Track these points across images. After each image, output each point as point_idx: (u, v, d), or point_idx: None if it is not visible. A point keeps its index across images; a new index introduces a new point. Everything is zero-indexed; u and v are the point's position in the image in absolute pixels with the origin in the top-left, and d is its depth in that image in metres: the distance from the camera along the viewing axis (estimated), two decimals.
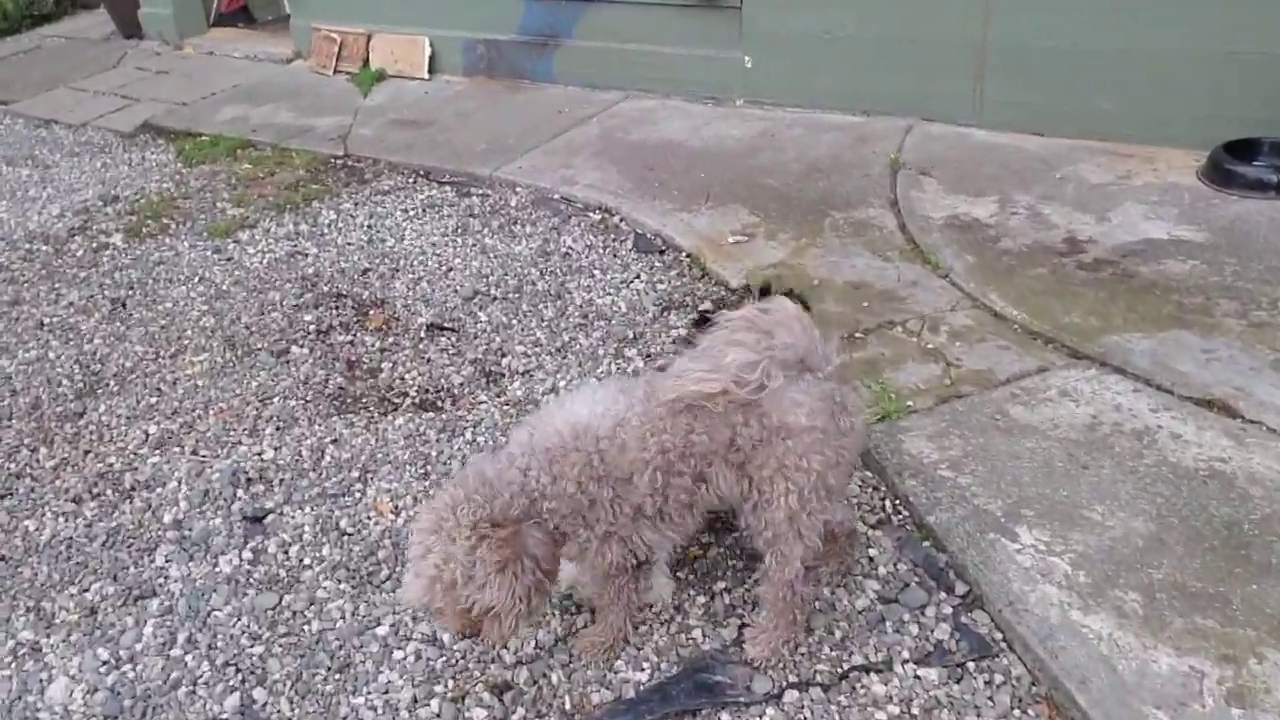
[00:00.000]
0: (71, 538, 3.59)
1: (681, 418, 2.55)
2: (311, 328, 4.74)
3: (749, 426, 2.51)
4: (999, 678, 2.65)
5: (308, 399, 4.23)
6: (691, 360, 2.56)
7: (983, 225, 4.79)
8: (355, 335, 4.66)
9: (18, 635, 3.19)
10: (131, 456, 3.98)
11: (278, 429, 4.05)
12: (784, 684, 2.71)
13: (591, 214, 5.54)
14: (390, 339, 4.61)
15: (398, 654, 2.97)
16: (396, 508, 3.54)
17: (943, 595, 2.90)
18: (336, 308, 4.89)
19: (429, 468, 3.73)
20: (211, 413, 4.20)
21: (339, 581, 3.26)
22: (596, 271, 4.97)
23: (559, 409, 2.67)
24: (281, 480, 3.75)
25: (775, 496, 2.56)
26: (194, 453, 3.96)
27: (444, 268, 5.17)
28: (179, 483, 3.80)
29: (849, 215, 5.07)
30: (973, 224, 4.82)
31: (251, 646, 3.05)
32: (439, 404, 4.12)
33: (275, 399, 4.25)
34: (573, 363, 4.27)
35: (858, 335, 4.09)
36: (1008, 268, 4.42)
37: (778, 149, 5.93)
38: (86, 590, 3.35)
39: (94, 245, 5.77)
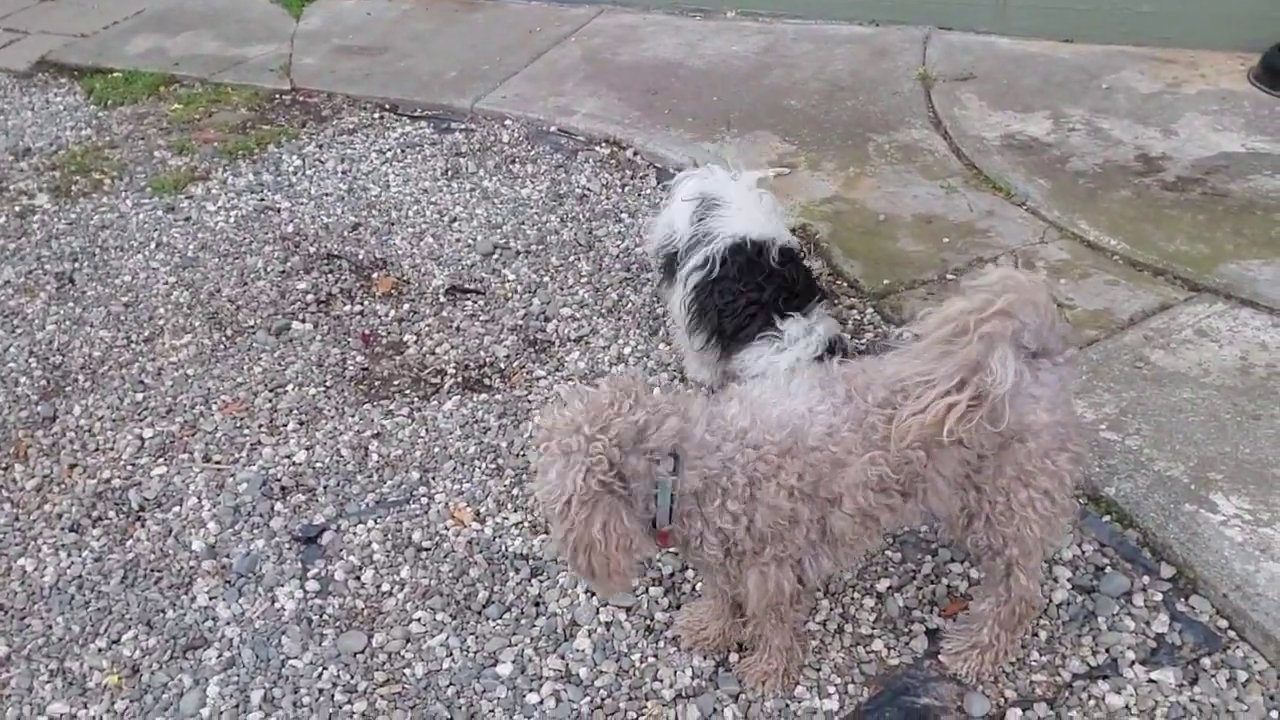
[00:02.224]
0: (82, 576, 3.00)
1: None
2: (309, 297, 4.11)
3: (978, 431, 2.11)
4: (1241, 674, 2.37)
5: (328, 384, 3.66)
6: (911, 362, 2.11)
7: (1043, 145, 4.44)
8: (363, 304, 4.07)
9: (47, 709, 2.63)
10: (130, 468, 3.37)
11: (301, 424, 3.48)
12: (1002, 702, 2.38)
13: (598, 148, 4.98)
14: (405, 306, 4.03)
15: (531, 697, 2.53)
16: (479, 514, 3.05)
17: (1146, 579, 2.60)
18: (332, 272, 4.27)
19: (500, 461, 3.24)
20: (215, 408, 3.59)
21: (433, 611, 2.78)
22: (625, 215, 4.46)
23: (778, 397, 2.21)
24: (326, 487, 3.21)
25: (1017, 507, 2.19)
26: (207, 459, 3.37)
27: (445, 218, 4.57)
28: (199, 498, 3.22)
29: (892, 139, 4.66)
30: (1032, 144, 4.46)
31: (349, 702, 2.56)
32: (487, 382, 3.60)
33: (289, 387, 3.66)
34: (630, 324, 3.79)
35: (949, 276, 3.72)
36: (1087, 191, 4.09)
37: (790, 66, 5.44)
38: (118, 643, 2.79)
39: (16, 209, 4.94)
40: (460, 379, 3.64)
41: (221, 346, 3.89)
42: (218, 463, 3.35)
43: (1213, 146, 4.26)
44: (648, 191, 4.61)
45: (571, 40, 6.07)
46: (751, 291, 3.03)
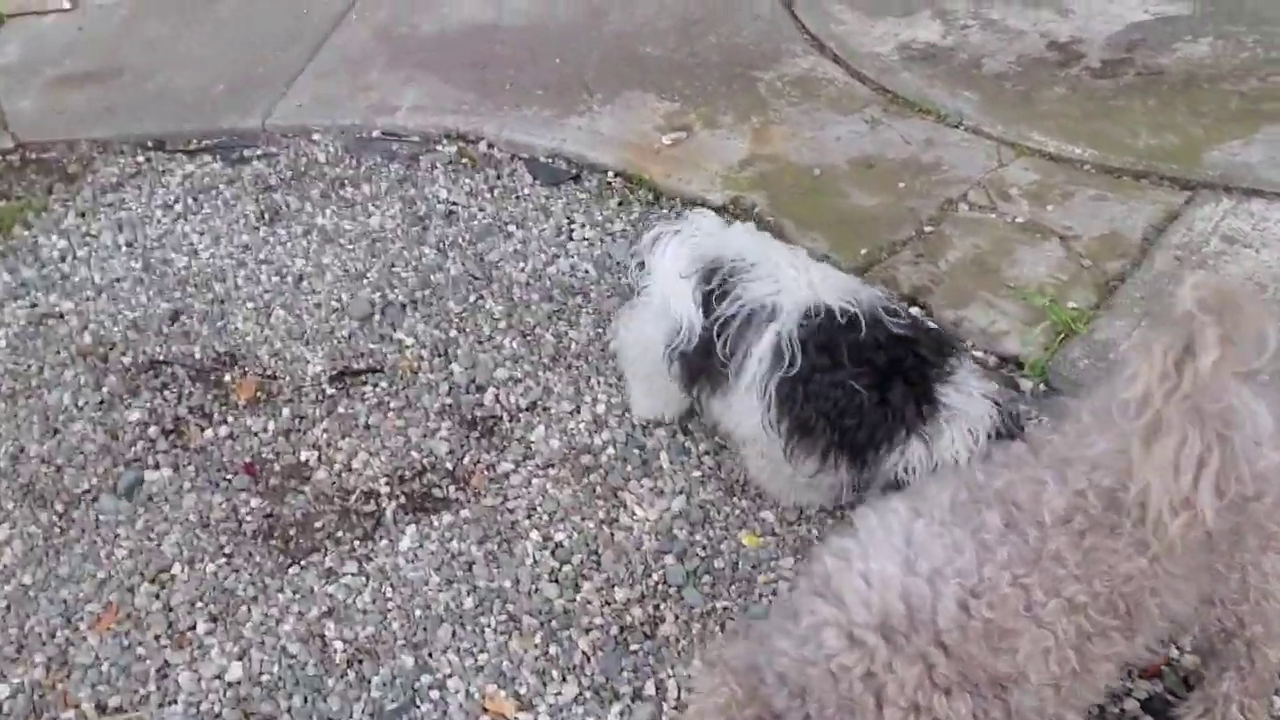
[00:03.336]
0: None
1: (1098, 540, 1.60)
2: (151, 430, 3.09)
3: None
4: None
5: (227, 551, 2.73)
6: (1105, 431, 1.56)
7: (945, 50, 3.97)
8: (227, 421, 3.10)
9: None
10: None
11: (215, 619, 2.57)
12: None
13: (441, 146, 4.09)
14: (284, 411, 3.10)
15: None
16: (519, 698, 2.30)
17: None
18: (167, 387, 3.24)
19: (511, 608, 2.48)
20: (85, 626, 2.60)
21: None
22: (513, 228, 3.65)
23: (854, 560, 1.61)
24: (292, 712, 2.36)
25: (1257, 581, 1.72)
26: (105, 711, 2.42)
27: (288, 279, 3.59)
28: None
29: (780, 73, 4.05)
30: (933, 51, 3.98)
31: None
32: (440, 494, 2.80)
33: (175, 569, 2.71)
34: (586, 371, 3.06)
35: (928, 230, 3.21)
36: (1018, 95, 3.67)
37: (625, 5, 4.67)
38: None
39: None
40: (402, 498, 2.81)
41: (57, 532, 2.85)
42: (124, 712, 2.41)
43: (1116, 19, 3.93)
44: (526, 192, 3.81)
45: (352, 17, 5.01)
46: (869, 376, 2.20)
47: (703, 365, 2.33)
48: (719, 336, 2.26)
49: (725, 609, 2.43)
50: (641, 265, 2.47)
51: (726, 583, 2.48)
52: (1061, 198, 3.23)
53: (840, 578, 1.59)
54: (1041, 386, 2.74)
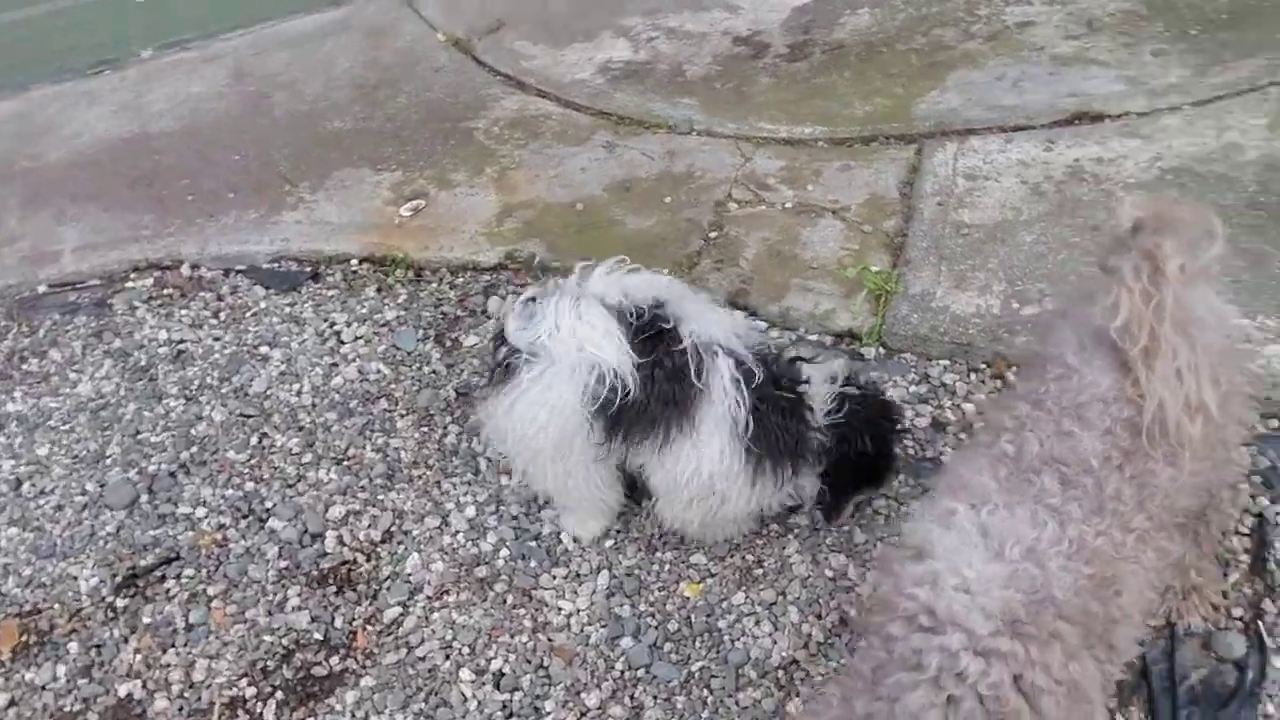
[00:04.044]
0: None
1: (1138, 468, 1.68)
2: None
3: None
4: None
5: None
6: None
7: (644, 65, 4.04)
8: None
9: None
10: None
11: None
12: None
13: (133, 282, 3.52)
14: (68, 647, 2.49)
15: None
16: None
17: None
18: None
19: None
20: None
21: None
22: (266, 349, 3.20)
23: (945, 579, 1.57)
24: None
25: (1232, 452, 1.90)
26: None
27: (1, 488, 2.90)
28: None
29: (493, 119, 3.91)
30: (634, 68, 4.04)
31: None
32: (323, 672, 2.38)
33: None
34: (435, 476, 2.74)
35: (714, 236, 3.25)
36: (732, 94, 3.82)
37: (287, 86, 4.28)
38: None
39: None
40: (278, 693, 2.35)
41: None
42: None
43: (781, 6, 4.23)
44: (261, 306, 3.36)
45: None
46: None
47: (638, 417, 2.14)
48: (668, 375, 2.11)
49: (703, 669, 2.28)
50: (502, 342, 2.24)
51: (692, 642, 2.33)
52: (814, 175, 3.41)
53: (944, 603, 1.51)
54: (881, 350, 2.86)
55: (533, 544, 2.56)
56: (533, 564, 2.52)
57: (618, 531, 2.56)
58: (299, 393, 3.05)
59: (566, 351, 2.08)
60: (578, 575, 2.48)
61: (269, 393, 3.06)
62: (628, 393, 2.06)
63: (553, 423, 2.13)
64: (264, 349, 3.21)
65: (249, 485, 2.81)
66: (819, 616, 2.34)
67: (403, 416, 2.93)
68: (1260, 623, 2.15)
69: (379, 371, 3.07)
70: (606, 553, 2.52)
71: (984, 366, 2.75)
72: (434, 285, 3.32)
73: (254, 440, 2.93)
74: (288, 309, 3.34)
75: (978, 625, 1.48)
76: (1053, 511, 1.59)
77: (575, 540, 2.54)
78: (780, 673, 2.25)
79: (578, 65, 4.09)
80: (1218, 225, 1.71)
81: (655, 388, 2.09)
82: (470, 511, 2.64)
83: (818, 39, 4.01)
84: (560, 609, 2.42)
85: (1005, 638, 1.47)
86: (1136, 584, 1.62)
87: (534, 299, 2.18)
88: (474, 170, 3.67)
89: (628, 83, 3.95)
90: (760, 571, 2.44)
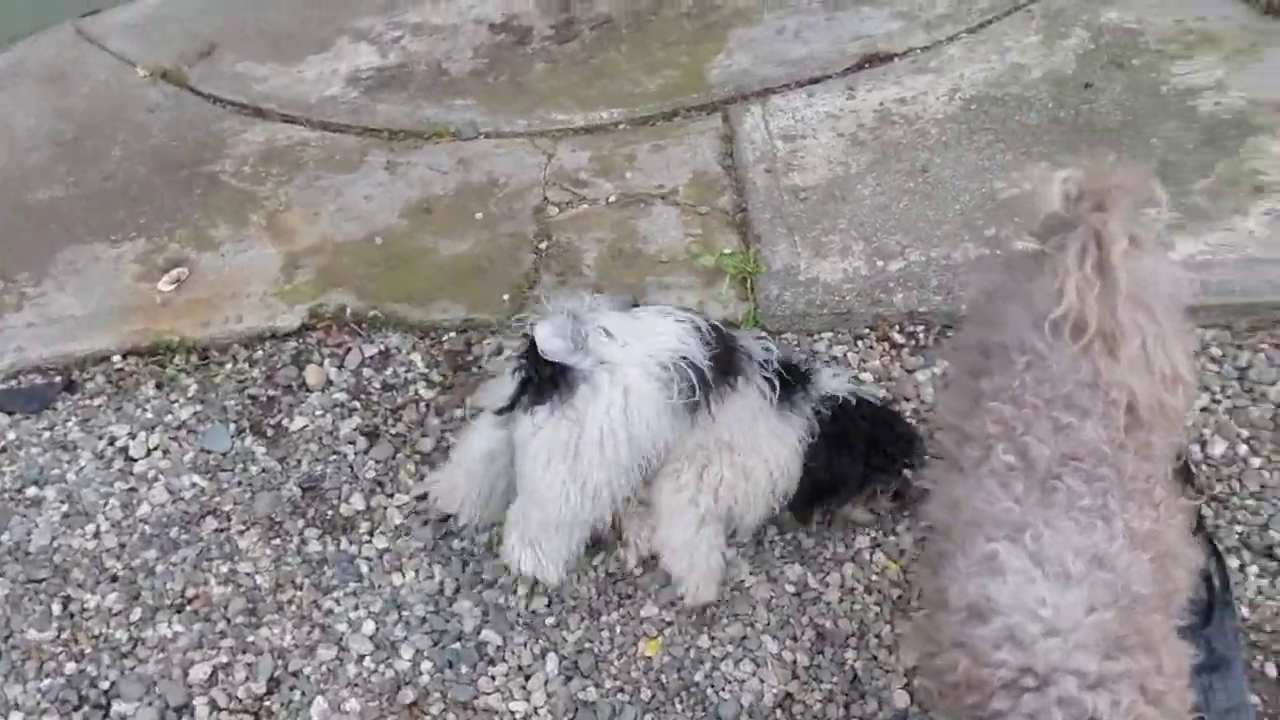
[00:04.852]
0: None
1: (1138, 441, 1.68)
2: None
3: None
4: None
5: None
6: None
7: (399, 68, 3.65)
8: None
9: None
10: None
11: None
12: None
13: None
14: None
15: None
16: None
17: None
18: None
19: None
20: None
21: None
22: (35, 490, 2.61)
23: (1023, 622, 1.50)
24: None
25: None
26: None
27: None
28: None
29: (239, 156, 3.38)
30: (389, 73, 3.64)
31: None
32: None
33: None
34: (312, 594, 2.34)
35: (544, 247, 3.00)
36: (510, 85, 3.54)
37: None
38: None
39: None
40: None
41: None
42: None
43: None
44: (10, 437, 2.75)
45: None
46: None
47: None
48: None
49: None
50: (543, 363, 1.99)
51: (673, 705, 2.13)
52: (627, 161, 3.23)
53: (1039, 656, 1.41)
54: (762, 333, 2.74)
55: (456, 646, 2.25)
56: (464, 670, 2.21)
57: (545, 608, 2.30)
58: (96, 535, 2.52)
59: (636, 357, 1.99)
60: (520, 668, 2.21)
61: (56, 544, 2.50)
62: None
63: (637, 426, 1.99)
64: (31, 490, 2.62)
65: (70, 667, 2.28)
66: (795, 639, 2.22)
67: (243, 533, 2.49)
68: (1205, 529, 2.25)
69: (194, 485, 2.59)
70: (547, 632, 2.26)
71: (867, 331, 2.72)
72: (228, 367, 2.85)
73: (56, 609, 2.38)
74: (46, 434, 2.75)
75: (1085, 662, 1.40)
76: (1092, 512, 1.54)
77: (532, 584, 2.29)
78: (779, 712, 2.11)
79: (322, 80, 3.65)
80: (1157, 185, 1.72)
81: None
82: (369, 628, 2.28)
83: (581, 15, 3.81)
84: (514, 713, 2.14)
85: (1116, 660, 1.40)
86: (1180, 550, 1.61)
87: (571, 314, 2.01)
88: (236, 221, 3.18)
89: (388, 91, 3.58)
90: (717, 608, 2.27)
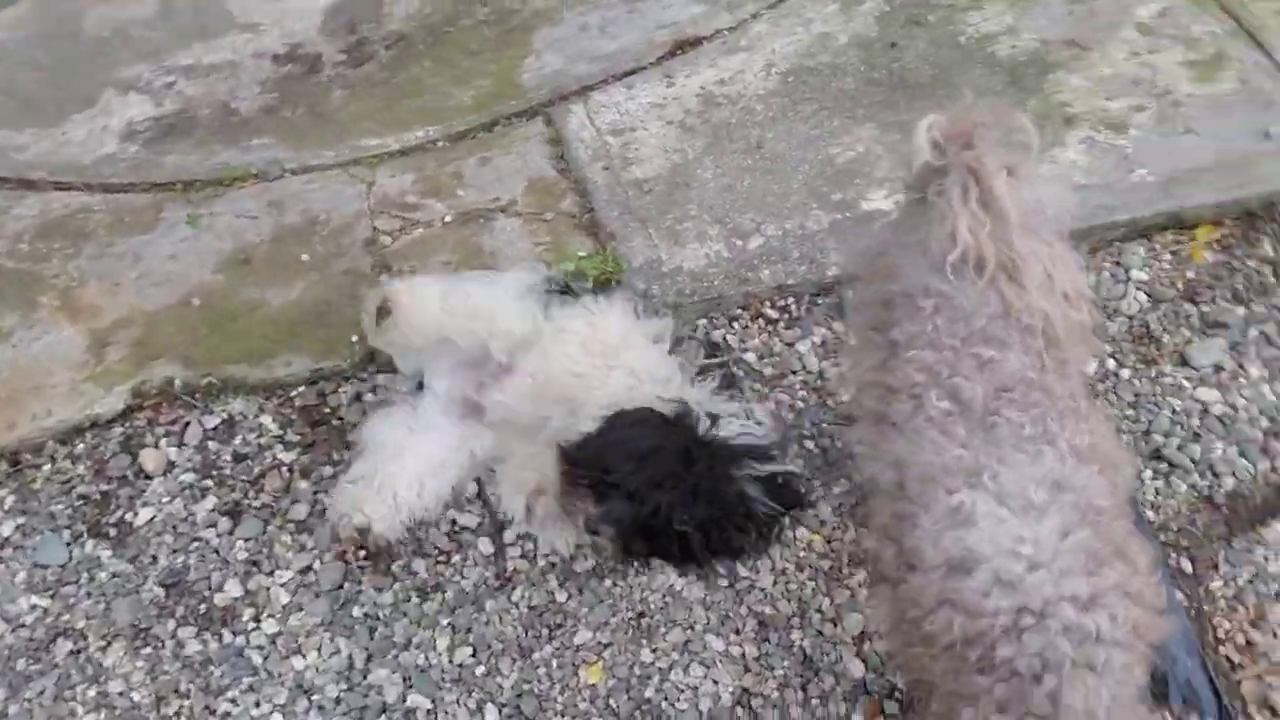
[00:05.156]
0: None
1: (1061, 358, 1.74)
2: None
3: None
4: None
5: None
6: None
7: (178, 114, 3.36)
8: None
9: None
10: None
11: None
12: None
13: None
14: None
15: None
16: None
17: None
18: None
19: None
20: None
21: None
22: None
23: (1009, 565, 1.50)
24: None
25: None
26: None
27: None
28: None
29: (14, 234, 3.01)
30: (169, 122, 3.34)
31: None
32: None
33: None
34: (200, 698, 2.08)
35: (405, 270, 2.81)
36: (309, 116, 3.32)
37: None
38: None
39: None
40: None
41: None
42: None
43: (309, 11, 3.71)
44: None
45: None
46: None
47: None
48: None
49: None
50: None
51: None
52: (455, 179, 3.08)
53: (1032, 593, 1.42)
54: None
55: (382, 719, 2.06)
56: None
57: (473, 655, 2.14)
58: None
59: None
60: None
61: None
62: None
63: None
64: None
65: None
66: (738, 632, 2.16)
67: (105, 649, 2.20)
68: None
69: (34, 608, 2.27)
70: (479, 683, 2.10)
71: (740, 312, 2.70)
72: (47, 468, 2.52)
73: None
74: None
75: (1075, 586, 1.41)
76: (1037, 439, 1.56)
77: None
78: (739, 709, 2.04)
79: (93, 139, 3.31)
80: (1021, 116, 1.78)
81: None
82: None
83: (372, 35, 3.62)
84: None
85: (1100, 575, 1.42)
86: (1115, 455, 1.65)
87: None
88: (24, 307, 2.82)
89: (172, 140, 3.28)
90: (652, 617, 2.18)
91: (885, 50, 3.31)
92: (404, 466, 2.27)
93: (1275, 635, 2.04)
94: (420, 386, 2.41)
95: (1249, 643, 2.04)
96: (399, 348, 2.45)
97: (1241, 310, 2.58)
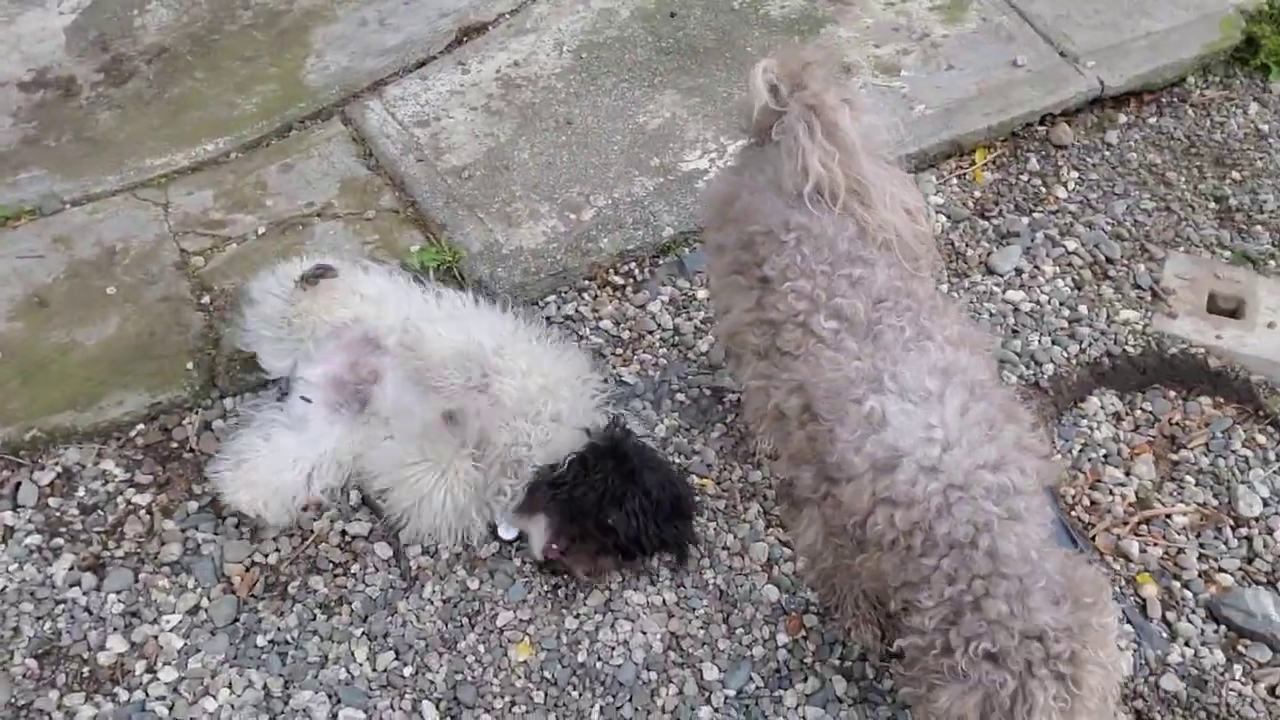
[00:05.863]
0: None
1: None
2: None
3: None
4: None
5: None
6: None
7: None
8: None
9: None
10: None
11: None
12: None
13: None
14: None
15: None
16: None
17: None
18: None
19: None
20: None
21: None
22: None
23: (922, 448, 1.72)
24: None
25: None
26: None
27: None
28: None
29: None
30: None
31: None
32: None
33: None
34: None
35: (228, 289, 2.71)
36: (77, 142, 3.11)
37: None
38: None
39: None
40: None
41: None
42: None
43: (48, 33, 3.47)
44: None
45: None
46: None
47: None
48: None
49: (605, 709, 2.07)
50: None
51: (568, 692, 2.09)
52: (260, 189, 2.99)
53: (956, 471, 1.62)
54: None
55: None
56: None
57: (397, 659, 2.15)
58: None
59: None
60: None
61: None
62: None
63: None
64: None
65: None
66: (653, 582, 2.28)
67: None
68: None
69: None
70: (409, 683, 2.12)
71: (588, 283, 2.81)
72: None
73: None
74: None
75: (985, 453, 1.63)
76: (919, 336, 1.77)
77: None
78: (671, 654, 2.16)
79: None
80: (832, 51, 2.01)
81: None
82: None
83: (128, 51, 3.43)
84: None
85: (1001, 438, 1.64)
86: (975, 338, 1.91)
87: None
88: None
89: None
90: (568, 586, 2.26)
91: (667, 20, 3.50)
92: (281, 451, 2.24)
93: (1112, 493, 2.39)
94: (284, 395, 2.35)
95: (1093, 503, 2.37)
96: (270, 339, 2.40)
97: (1026, 219, 2.96)
